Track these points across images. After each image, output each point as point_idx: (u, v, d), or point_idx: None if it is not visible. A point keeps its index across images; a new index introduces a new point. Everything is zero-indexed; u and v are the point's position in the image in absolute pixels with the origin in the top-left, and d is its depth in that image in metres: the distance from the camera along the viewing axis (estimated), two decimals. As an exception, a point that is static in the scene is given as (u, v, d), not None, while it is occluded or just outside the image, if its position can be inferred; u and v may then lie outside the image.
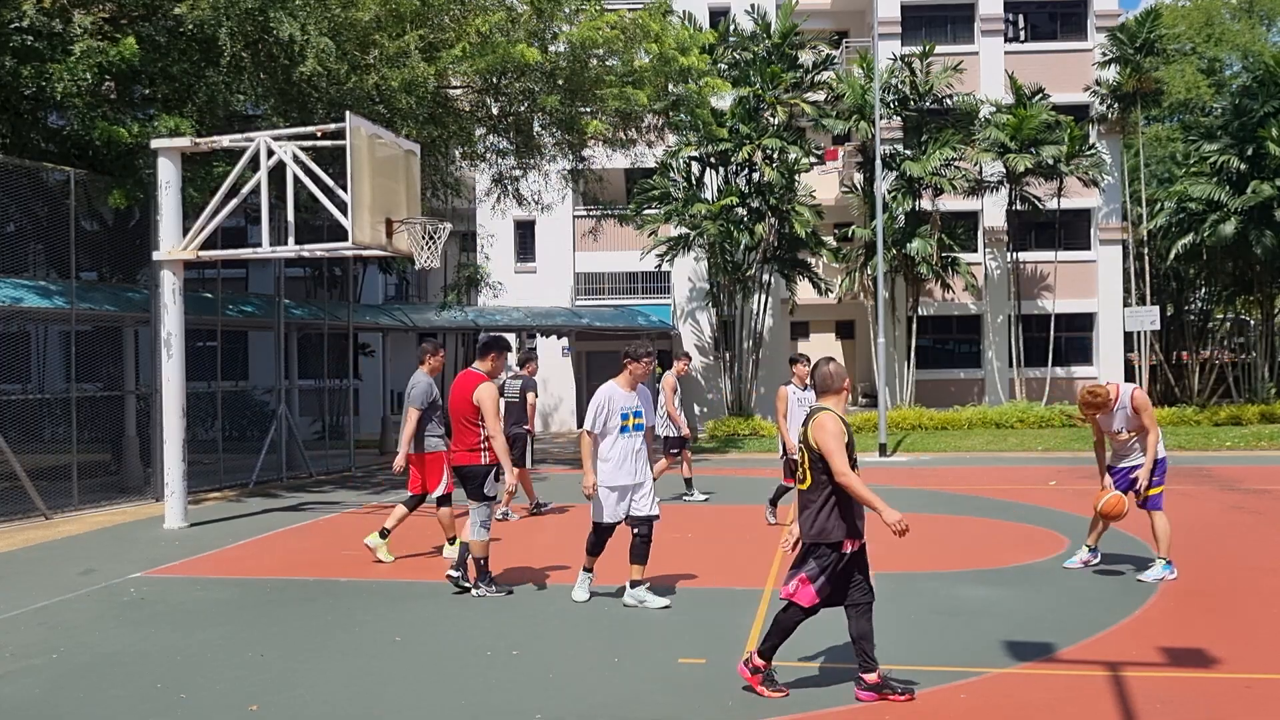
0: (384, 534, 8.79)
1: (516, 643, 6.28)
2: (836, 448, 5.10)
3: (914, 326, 26.15)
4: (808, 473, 5.24)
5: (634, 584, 7.16)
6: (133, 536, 10.70)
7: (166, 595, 7.80)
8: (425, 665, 5.88)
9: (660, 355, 26.31)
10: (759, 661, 5.23)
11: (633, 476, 7.03)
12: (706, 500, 12.56)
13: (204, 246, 11.19)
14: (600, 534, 7.18)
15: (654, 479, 7.38)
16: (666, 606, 7.05)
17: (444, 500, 8.70)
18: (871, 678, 5.12)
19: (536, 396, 11.70)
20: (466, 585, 7.57)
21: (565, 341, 26.80)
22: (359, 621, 6.87)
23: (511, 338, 25.07)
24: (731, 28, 24.85)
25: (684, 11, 22.51)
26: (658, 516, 7.18)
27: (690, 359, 12.21)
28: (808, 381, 9.84)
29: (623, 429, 7.03)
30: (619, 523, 7.09)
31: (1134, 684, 5.33)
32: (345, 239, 10.28)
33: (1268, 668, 5.64)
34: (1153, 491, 7.77)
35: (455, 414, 7.57)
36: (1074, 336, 27.56)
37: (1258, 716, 4.93)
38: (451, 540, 8.68)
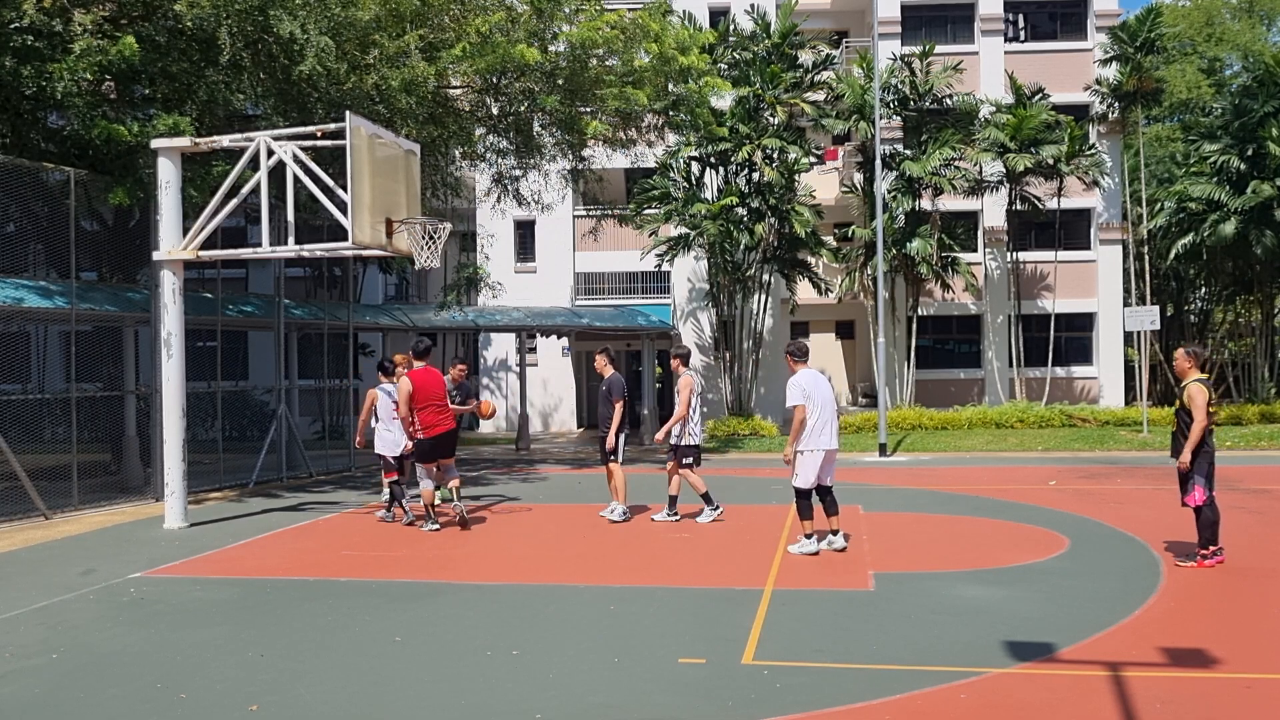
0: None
1: (516, 643, 6.28)
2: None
3: (914, 326, 26.15)
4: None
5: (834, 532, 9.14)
6: (133, 536, 10.70)
7: (166, 595, 7.80)
8: (425, 665, 5.88)
9: (660, 355, 26.37)
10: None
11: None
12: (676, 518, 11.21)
13: (204, 246, 11.19)
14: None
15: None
16: (815, 553, 8.84)
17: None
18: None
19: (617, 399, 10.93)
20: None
21: (565, 342, 26.82)
22: (359, 621, 6.87)
23: (511, 339, 25.09)
24: (731, 28, 24.83)
25: (684, 11, 22.52)
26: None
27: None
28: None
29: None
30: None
31: (1134, 684, 5.33)
32: (345, 239, 10.28)
33: (1268, 668, 5.64)
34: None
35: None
36: (1074, 336, 27.57)
37: (1258, 716, 4.93)
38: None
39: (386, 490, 11.53)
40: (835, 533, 9.14)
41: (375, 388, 11.76)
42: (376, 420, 11.62)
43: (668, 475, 11.14)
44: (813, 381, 8.86)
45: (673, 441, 10.93)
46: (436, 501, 10.64)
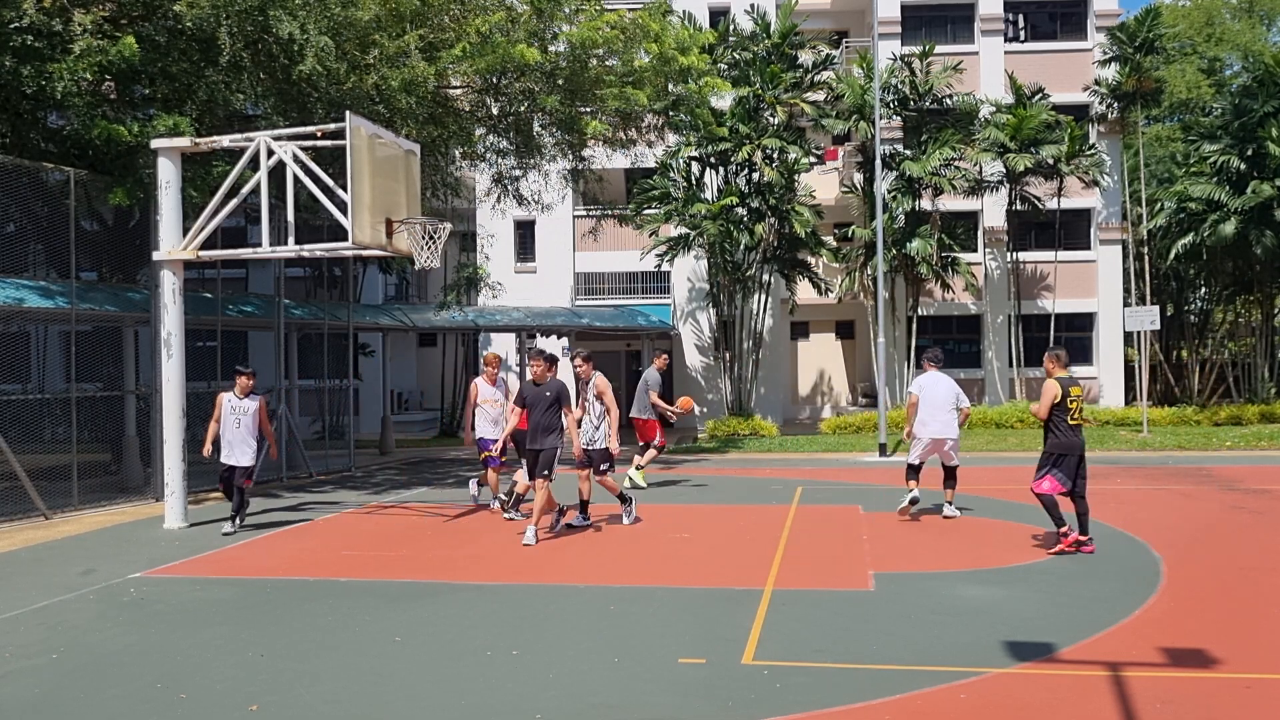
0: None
1: (516, 643, 6.28)
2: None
3: (914, 326, 26.15)
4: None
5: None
6: (133, 536, 10.70)
7: (166, 595, 7.80)
8: (425, 665, 5.88)
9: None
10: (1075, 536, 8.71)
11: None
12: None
13: (204, 246, 11.19)
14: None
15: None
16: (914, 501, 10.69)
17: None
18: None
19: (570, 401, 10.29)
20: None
21: (565, 342, 26.82)
22: (359, 621, 6.87)
23: (511, 339, 25.09)
24: (731, 28, 24.83)
25: (684, 11, 22.52)
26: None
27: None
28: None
29: None
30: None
31: (1134, 684, 5.33)
32: (345, 239, 10.28)
33: (1268, 668, 5.64)
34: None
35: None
36: (1074, 336, 27.55)
37: (1258, 716, 4.93)
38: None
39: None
40: (949, 504, 10.96)
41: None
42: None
43: (592, 482, 10.58)
44: (930, 381, 10.61)
45: (584, 445, 10.32)
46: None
